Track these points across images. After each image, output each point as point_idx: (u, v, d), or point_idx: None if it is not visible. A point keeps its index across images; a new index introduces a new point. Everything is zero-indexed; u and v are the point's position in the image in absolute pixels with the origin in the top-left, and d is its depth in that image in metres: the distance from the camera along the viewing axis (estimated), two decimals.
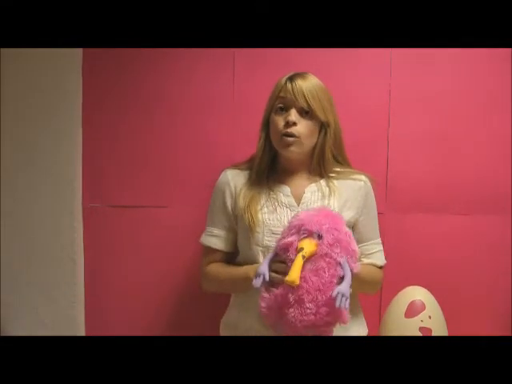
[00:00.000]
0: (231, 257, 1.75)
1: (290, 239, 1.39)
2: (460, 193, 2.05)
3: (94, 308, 2.15)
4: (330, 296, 1.32)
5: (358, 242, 1.67)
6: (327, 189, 1.63)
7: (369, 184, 1.70)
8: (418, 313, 1.80)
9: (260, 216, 1.61)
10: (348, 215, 1.63)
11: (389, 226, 2.03)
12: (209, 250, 1.75)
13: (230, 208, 1.68)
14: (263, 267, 1.40)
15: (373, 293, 1.76)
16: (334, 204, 1.61)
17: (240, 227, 1.66)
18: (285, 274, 1.35)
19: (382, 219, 1.94)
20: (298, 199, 1.63)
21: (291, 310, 1.36)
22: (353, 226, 1.66)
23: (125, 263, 2.14)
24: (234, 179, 1.69)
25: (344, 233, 1.40)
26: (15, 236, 2.15)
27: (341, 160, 1.68)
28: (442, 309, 1.85)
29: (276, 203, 1.62)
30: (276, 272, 1.42)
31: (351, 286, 1.38)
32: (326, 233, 1.36)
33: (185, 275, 2.12)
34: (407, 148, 2.05)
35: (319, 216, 1.40)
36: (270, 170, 1.68)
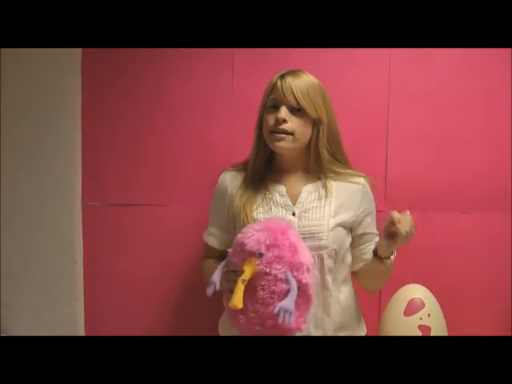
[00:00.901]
0: None
1: (235, 259, 1.43)
2: (459, 190, 2.05)
3: (94, 307, 2.16)
4: (273, 311, 1.34)
5: (363, 243, 1.69)
6: (324, 190, 1.63)
7: (367, 187, 1.69)
8: (417, 311, 1.80)
9: (255, 215, 1.61)
10: (345, 217, 1.63)
11: None
12: (208, 247, 1.79)
13: (227, 211, 1.69)
14: (215, 276, 1.43)
15: (381, 286, 1.75)
16: (330, 205, 1.61)
17: (237, 227, 1.66)
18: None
19: (381, 217, 1.94)
20: (294, 199, 1.62)
21: (241, 317, 1.40)
22: (351, 228, 1.67)
23: (124, 262, 2.14)
24: (232, 181, 1.69)
25: (288, 246, 1.40)
26: (15, 235, 2.14)
27: (339, 158, 1.67)
28: (442, 307, 1.85)
29: (271, 203, 1.62)
30: (229, 281, 1.44)
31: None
32: (266, 251, 1.37)
33: (185, 274, 2.12)
34: (406, 146, 2.05)
35: (261, 232, 1.40)
36: (267, 169, 1.68)
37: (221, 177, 1.73)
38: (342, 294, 1.66)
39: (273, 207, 1.62)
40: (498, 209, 2.04)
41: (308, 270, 1.41)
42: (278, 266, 1.37)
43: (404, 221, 1.43)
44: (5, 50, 2.02)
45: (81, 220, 2.13)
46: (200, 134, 2.08)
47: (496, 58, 2.00)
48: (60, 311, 2.13)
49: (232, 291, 1.40)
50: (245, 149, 1.75)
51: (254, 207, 1.62)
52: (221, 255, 1.74)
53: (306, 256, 1.42)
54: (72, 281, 2.12)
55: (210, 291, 1.41)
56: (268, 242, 1.38)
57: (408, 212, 1.47)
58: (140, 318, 2.14)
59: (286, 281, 1.36)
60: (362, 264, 1.70)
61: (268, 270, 1.36)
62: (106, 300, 2.15)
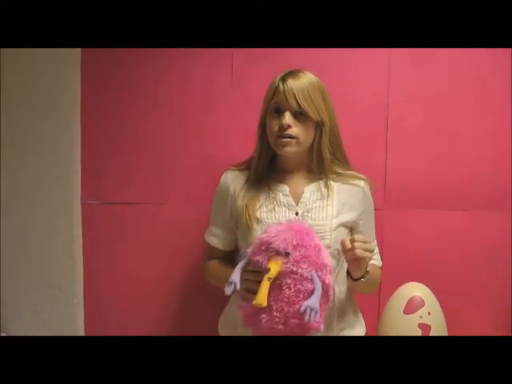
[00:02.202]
0: (231, 255, 1.76)
1: (258, 258, 1.42)
2: (459, 189, 2.05)
3: (94, 305, 2.16)
4: (298, 309, 1.35)
5: None
6: (326, 190, 1.63)
7: (367, 188, 1.70)
8: (417, 309, 1.81)
9: (258, 215, 1.61)
10: (345, 217, 1.63)
11: (387, 223, 2.04)
12: (210, 247, 1.78)
13: (229, 211, 1.69)
14: (235, 276, 1.43)
15: (370, 292, 1.76)
16: (332, 205, 1.62)
17: (240, 227, 1.67)
18: (257, 281, 1.39)
19: (381, 216, 1.96)
20: (297, 199, 1.63)
21: (263, 316, 1.39)
22: (351, 227, 1.67)
23: (124, 260, 2.14)
24: (234, 181, 1.69)
25: (313, 247, 1.41)
26: (14, 234, 2.14)
27: (339, 157, 1.68)
28: (441, 305, 1.86)
29: (275, 202, 1.62)
30: (247, 281, 1.44)
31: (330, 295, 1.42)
32: (293, 250, 1.38)
33: (184, 272, 2.12)
34: (406, 145, 2.05)
35: (287, 232, 1.41)
36: (269, 169, 1.68)
37: (223, 176, 1.72)
38: (343, 294, 1.67)
39: (276, 207, 1.62)
40: (498, 207, 2.05)
41: (330, 271, 1.43)
42: (304, 266, 1.38)
43: (356, 245, 1.43)
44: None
45: (80, 219, 2.13)
46: (199, 132, 2.08)
47: (496, 57, 2.00)
48: (60, 310, 2.13)
49: (250, 291, 1.41)
50: (244, 147, 1.76)
51: (257, 207, 1.62)
52: (224, 255, 1.76)
53: (327, 257, 1.43)
54: (71, 280, 2.12)
55: (229, 291, 1.40)
56: (295, 242, 1.38)
57: (356, 236, 1.47)
58: (140, 316, 2.14)
59: (311, 280, 1.37)
60: None
61: (295, 269, 1.37)
62: (106, 298, 2.15)
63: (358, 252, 1.42)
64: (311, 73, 1.60)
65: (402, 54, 2.01)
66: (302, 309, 1.33)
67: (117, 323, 2.15)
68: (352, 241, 1.44)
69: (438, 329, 1.81)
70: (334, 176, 1.65)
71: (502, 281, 2.06)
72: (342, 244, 1.45)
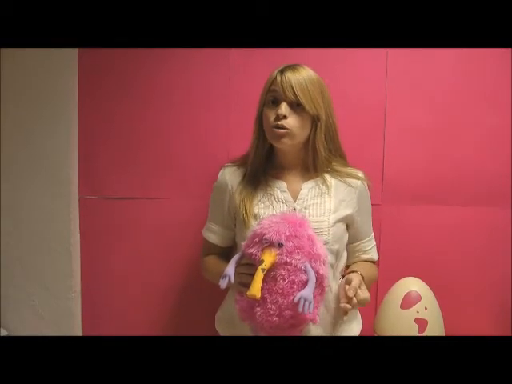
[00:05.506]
0: (229, 251, 1.76)
1: (252, 250, 1.43)
2: (457, 184, 2.05)
3: (91, 300, 2.17)
4: (293, 300, 1.36)
5: (356, 239, 1.72)
6: (324, 186, 1.63)
7: (365, 184, 1.70)
8: (414, 304, 1.82)
9: (256, 211, 1.61)
10: (344, 213, 1.63)
11: (385, 218, 2.05)
12: (207, 243, 1.78)
13: (227, 207, 1.69)
14: (229, 269, 1.44)
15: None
16: (330, 202, 1.62)
17: (237, 223, 1.67)
18: (251, 274, 1.40)
19: (379, 211, 1.97)
20: (295, 195, 1.62)
21: (258, 309, 1.41)
22: (347, 224, 1.67)
23: (121, 255, 2.14)
24: (231, 177, 1.68)
25: (306, 238, 1.42)
26: (12, 229, 2.15)
27: (336, 154, 1.67)
28: (439, 301, 1.87)
29: (272, 198, 1.62)
30: (242, 274, 1.46)
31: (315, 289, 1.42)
32: (286, 241, 1.40)
33: (182, 267, 2.13)
34: (403, 140, 2.05)
35: (280, 224, 1.42)
36: (266, 165, 1.68)
37: (220, 173, 1.72)
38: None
39: (274, 203, 1.61)
40: (497, 203, 2.04)
41: (324, 262, 1.44)
42: (298, 256, 1.39)
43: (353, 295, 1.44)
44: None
45: (77, 213, 2.13)
46: (197, 128, 2.07)
47: (494, 56, 2.00)
48: (57, 305, 2.15)
49: (244, 284, 1.43)
50: (242, 143, 1.75)
51: (255, 202, 1.62)
52: (222, 252, 1.77)
53: (321, 248, 1.45)
54: (69, 274, 2.13)
55: (224, 284, 1.42)
56: (288, 233, 1.40)
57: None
58: (137, 311, 2.15)
59: (305, 271, 1.39)
60: (354, 260, 1.75)
61: (288, 260, 1.38)
62: (103, 293, 2.16)
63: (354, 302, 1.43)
64: (311, 69, 1.59)
65: (399, 50, 2.00)
66: (296, 299, 1.34)
67: (114, 317, 2.16)
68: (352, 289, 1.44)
69: (435, 324, 1.82)
70: (330, 172, 1.65)
71: (500, 277, 2.06)
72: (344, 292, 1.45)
